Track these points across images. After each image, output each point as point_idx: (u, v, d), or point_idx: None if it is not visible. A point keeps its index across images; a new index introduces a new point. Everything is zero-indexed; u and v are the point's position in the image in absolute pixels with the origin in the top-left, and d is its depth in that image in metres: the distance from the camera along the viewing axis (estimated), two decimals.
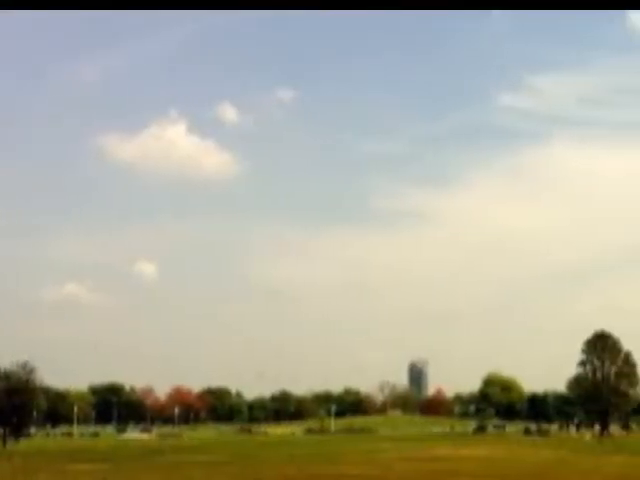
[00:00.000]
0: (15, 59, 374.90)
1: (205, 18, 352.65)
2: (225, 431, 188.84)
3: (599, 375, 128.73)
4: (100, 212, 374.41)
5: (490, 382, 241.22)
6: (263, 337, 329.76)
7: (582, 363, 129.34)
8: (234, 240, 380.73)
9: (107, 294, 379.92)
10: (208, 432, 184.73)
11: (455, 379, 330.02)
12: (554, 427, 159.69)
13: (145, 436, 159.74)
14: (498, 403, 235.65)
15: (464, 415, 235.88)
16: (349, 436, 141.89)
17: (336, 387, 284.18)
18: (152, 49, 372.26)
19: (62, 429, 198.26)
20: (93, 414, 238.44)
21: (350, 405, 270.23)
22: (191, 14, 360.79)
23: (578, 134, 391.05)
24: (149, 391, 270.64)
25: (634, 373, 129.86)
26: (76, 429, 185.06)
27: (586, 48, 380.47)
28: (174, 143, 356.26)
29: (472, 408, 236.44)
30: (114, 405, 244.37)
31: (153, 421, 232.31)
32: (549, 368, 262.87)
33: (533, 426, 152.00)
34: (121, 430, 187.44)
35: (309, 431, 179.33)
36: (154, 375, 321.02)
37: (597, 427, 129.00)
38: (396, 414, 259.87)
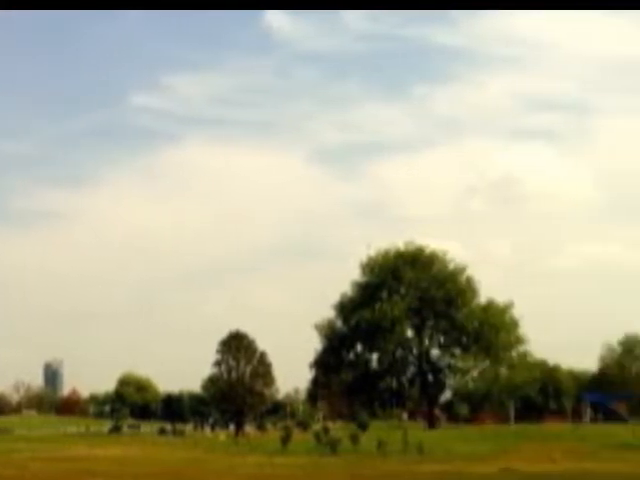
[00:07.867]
0: None
1: None
2: None
3: (234, 375, 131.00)
4: None
5: (125, 382, 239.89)
6: None
7: (217, 363, 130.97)
8: None
9: None
10: None
11: (91, 379, 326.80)
12: (189, 427, 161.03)
13: None
14: (133, 403, 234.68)
15: (100, 415, 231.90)
16: None
17: None
18: None
19: None
20: None
21: None
22: None
23: (211, 134, 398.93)
24: None
25: (269, 373, 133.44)
26: None
27: (222, 48, 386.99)
28: None
29: (107, 408, 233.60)
30: None
31: None
32: (185, 368, 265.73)
33: (168, 426, 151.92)
34: None
35: None
36: None
37: (232, 427, 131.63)
38: (31, 414, 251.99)
